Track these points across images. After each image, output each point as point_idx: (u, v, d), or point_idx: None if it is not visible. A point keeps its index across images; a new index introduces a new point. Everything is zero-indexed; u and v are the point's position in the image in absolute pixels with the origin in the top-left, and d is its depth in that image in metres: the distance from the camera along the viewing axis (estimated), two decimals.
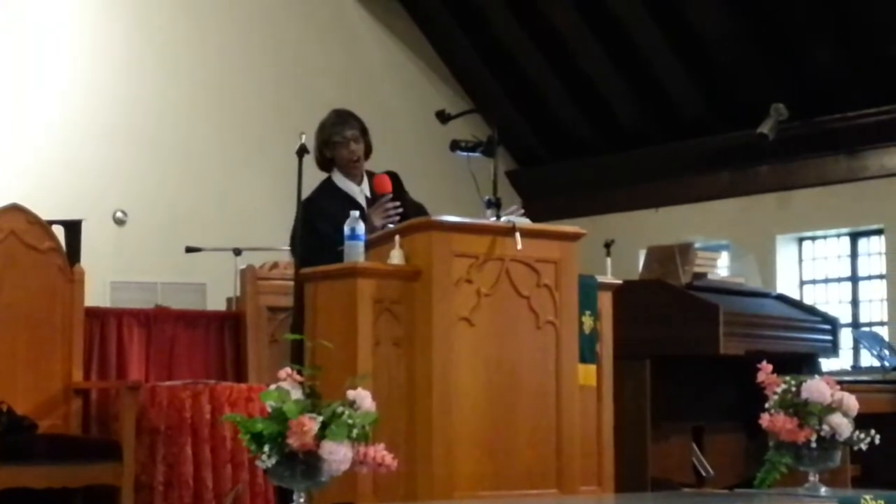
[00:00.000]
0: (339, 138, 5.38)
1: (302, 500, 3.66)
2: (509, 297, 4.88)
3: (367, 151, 5.47)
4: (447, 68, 11.35)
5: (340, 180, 5.43)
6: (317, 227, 5.14)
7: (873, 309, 9.83)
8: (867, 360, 8.94)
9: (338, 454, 3.56)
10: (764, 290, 7.66)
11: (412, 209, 5.35)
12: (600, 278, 5.36)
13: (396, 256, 4.79)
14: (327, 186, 5.39)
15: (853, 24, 9.25)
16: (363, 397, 3.68)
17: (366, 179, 5.46)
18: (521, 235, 4.85)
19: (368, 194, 5.35)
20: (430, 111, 6.10)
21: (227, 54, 10.14)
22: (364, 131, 5.44)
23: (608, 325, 5.35)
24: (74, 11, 9.53)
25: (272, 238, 7.90)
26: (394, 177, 5.47)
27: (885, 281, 9.65)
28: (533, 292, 4.93)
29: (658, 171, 10.59)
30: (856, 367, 9.23)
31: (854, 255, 10.01)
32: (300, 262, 5.06)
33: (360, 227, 4.84)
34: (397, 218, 5.11)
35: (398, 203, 5.17)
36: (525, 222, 5.02)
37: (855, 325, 9.77)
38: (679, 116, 10.45)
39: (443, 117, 5.58)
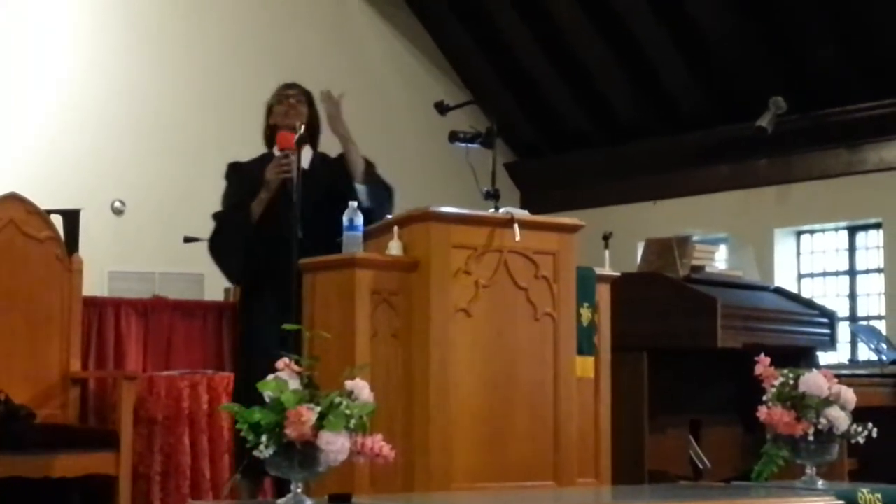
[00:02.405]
0: (276, 98, 5.45)
1: (299, 490, 3.66)
2: (507, 288, 4.87)
3: (313, 122, 5.45)
4: (446, 59, 11.33)
5: (277, 150, 5.39)
6: (227, 191, 5.32)
7: (871, 303, 9.82)
8: (865, 353, 8.95)
9: (335, 444, 3.56)
10: (762, 284, 7.65)
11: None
12: (598, 270, 5.35)
13: (395, 247, 4.78)
14: (262, 155, 5.41)
15: (853, 17, 9.24)
16: (361, 388, 3.68)
17: (309, 151, 5.40)
18: (520, 227, 4.84)
19: (306, 166, 5.28)
20: (428, 102, 6.09)
21: (225, 45, 10.12)
22: (310, 102, 5.45)
23: (606, 317, 5.33)
24: (73, 0, 9.52)
25: None
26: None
27: (882, 275, 9.64)
28: (531, 284, 4.92)
29: (656, 163, 10.58)
30: (853, 361, 9.23)
31: (852, 248, 10.00)
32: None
33: (359, 219, 4.83)
34: (289, 174, 5.09)
35: (289, 161, 5.13)
36: (524, 214, 5.02)
37: (853, 318, 9.76)
38: (678, 109, 10.43)
39: (441, 108, 5.57)
